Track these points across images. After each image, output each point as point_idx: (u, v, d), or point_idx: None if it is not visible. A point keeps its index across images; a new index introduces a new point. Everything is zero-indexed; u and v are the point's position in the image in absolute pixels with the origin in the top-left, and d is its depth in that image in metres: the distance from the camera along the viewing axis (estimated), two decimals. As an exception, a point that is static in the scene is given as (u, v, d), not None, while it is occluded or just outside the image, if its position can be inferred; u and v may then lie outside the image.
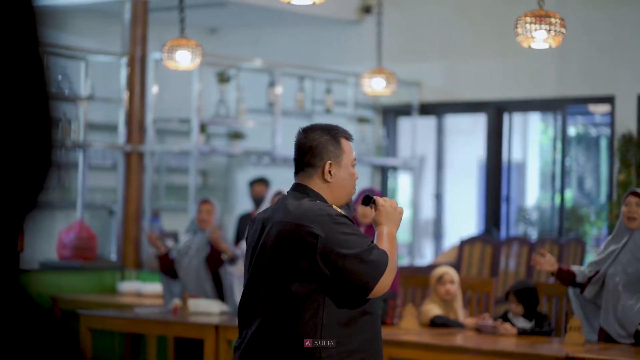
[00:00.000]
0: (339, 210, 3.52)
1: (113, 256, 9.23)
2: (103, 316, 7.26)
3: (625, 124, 10.01)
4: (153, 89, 9.23)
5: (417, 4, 11.58)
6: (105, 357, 8.33)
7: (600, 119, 13.27)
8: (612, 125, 10.27)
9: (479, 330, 6.27)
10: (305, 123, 3.77)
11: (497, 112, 11.24)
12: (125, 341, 8.36)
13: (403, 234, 12.93)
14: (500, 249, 10.10)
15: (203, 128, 9.50)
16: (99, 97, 9.31)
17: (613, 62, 10.23)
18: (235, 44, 12.27)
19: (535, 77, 10.82)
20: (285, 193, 3.63)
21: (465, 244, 10.27)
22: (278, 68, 10.23)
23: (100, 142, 9.57)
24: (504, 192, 11.28)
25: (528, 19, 5.70)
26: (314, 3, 5.21)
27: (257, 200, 10.20)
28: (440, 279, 6.57)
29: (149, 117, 9.22)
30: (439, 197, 12.16)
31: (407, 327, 6.33)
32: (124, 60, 9.22)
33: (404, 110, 11.73)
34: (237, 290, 7.17)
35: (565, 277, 5.88)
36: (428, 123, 12.09)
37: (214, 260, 7.37)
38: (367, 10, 11.81)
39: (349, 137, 3.61)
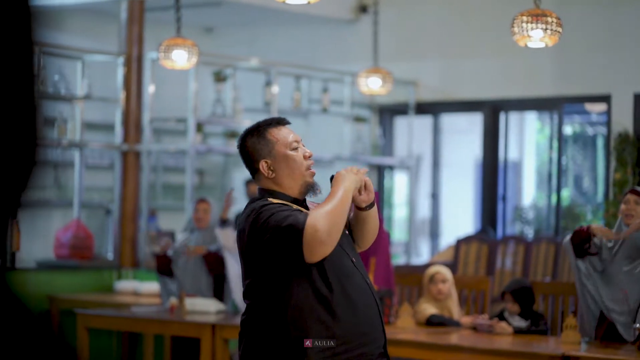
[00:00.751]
0: (284, 202, 3.47)
1: (110, 255, 9.24)
2: (100, 315, 7.27)
3: (622, 122, 10.01)
4: (149, 89, 9.24)
5: (413, 3, 11.58)
6: (103, 356, 8.33)
7: (597, 118, 13.27)
8: (608, 124, 10.28)
9: (475, 329, 6.28)
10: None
11: (493, 111, 11.24)
12: (122, 340, 8.37)
13: (400, 233, 12.94)
14: (497, 248, 10.11)
15: (200, 127, 9.52)
16: (96, 97, 9.31)
17: (609, 61, 10.23)
18: (232, 44, 12.27)
19: (531, 76, 10.82)
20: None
21: (461, 243, 10.28)
22: (274, 67, 10.24)
23: (97, 142, 9.56)
24: (500, 191, 11.28)
25: (524, 18, 5.71)
26: (309, 2, 5.20)
27: (253, 200, 10.20)
28: (432, 279, 6.58)
29: (146, 117, 9.23)
30: (435, 196, 12.16)
31: (404, 326, 6.34)
32: (121, 59, 9.23)
33: (401, 109, 11.73)
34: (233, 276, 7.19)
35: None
36: (424, 122, 12.10)
37: (215, 263, 7.35)
38: (363, 9, 11.82)
39: (279, 122, 3.58)
